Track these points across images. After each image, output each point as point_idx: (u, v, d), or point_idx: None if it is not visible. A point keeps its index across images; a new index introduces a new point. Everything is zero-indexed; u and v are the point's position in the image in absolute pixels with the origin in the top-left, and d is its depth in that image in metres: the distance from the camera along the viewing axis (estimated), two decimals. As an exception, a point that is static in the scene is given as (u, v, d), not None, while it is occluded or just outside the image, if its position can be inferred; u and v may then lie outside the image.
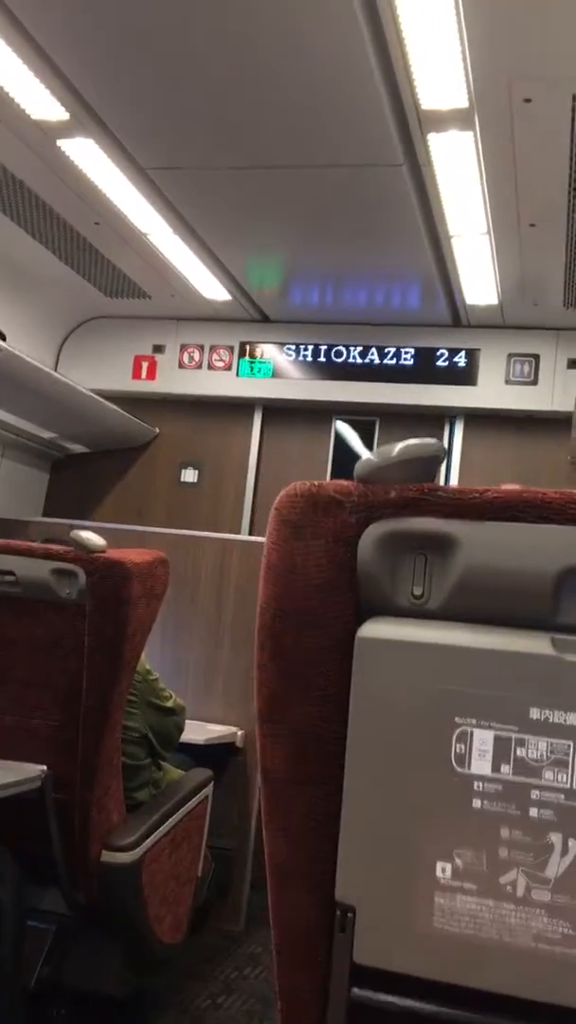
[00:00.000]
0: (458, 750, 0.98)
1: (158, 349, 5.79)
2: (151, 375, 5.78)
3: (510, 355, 5.23)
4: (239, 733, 4.79)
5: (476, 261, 4.31)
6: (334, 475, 5.70)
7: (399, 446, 1.06)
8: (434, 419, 5.50)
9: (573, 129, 3.03)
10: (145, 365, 5.80)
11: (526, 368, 5.19)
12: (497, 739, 0.98)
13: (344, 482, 1.07)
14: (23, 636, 2.68)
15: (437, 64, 2.83)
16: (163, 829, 2.95)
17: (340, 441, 5.77)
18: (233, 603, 4.97)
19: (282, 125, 3.27)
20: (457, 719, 0.99)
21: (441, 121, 3.14)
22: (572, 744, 0.97)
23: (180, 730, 3.25)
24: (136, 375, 5.80)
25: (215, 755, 4.52)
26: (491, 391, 5.24)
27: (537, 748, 0.97)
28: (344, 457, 5.77)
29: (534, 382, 5.18)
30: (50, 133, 3.42)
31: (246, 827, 4.84)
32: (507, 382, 5.22)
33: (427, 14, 2.58)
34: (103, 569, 2.61)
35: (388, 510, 1.03)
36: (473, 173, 3.43)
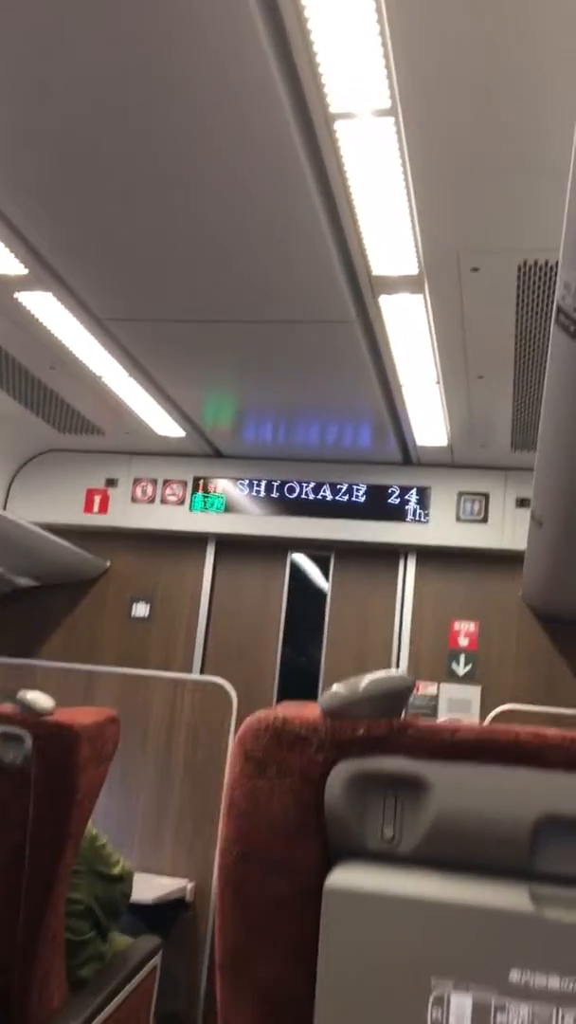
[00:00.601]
0: (435, 1016, 0.92)
1: (111, 483, 5.78)
2: (103, 509, 5.76)
3: (460, 493, 5.31)
4: (189, 887, 4.58)
5: (426, 407, 4.42)
6: (289, 611, 5.66)
7: (366, 680, 1.03)
8: (388, 555, 5.53)
9: (519, 295, 3.16)
10: (97, 499, 5.77)
11: (476, 506, 5.28)
12: (476, 1006, 0.92)
13: (311, 715, 1.04)
14: (-40, 806, 2.54)
15: (388, 234, 2.94)
16: (108, 1010, 2.76)
17: (296, 575, 5.75)
18: (184, 744, 4.83)
19: (235, 285, 3.37)
20: (433, 980, 0.93)
21: (392, 285, 3.26)
22: (556, 1010, 0.91)
23: (127, 898, 3.09)
24: (88, 509, 5.77)
25: (164, 910, 4.31)
26: (443, 528, 5.30)
27: (519, 1015, 0.92)
28: (300, 592, 5.74)
29: (484, 520, 5.26)
30: (8, 286, 3.48)
31: (196, 988, 4.58)
32: (458, 520, 5.29)
33: (377, 187, 2.69)
34: (50, 733, 2.51)
35: (356, 748, 0.99)
36: (423, 331, 3.55)
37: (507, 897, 0.94)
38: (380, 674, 1.04)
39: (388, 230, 2.92)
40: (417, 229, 2.86)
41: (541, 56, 2.10)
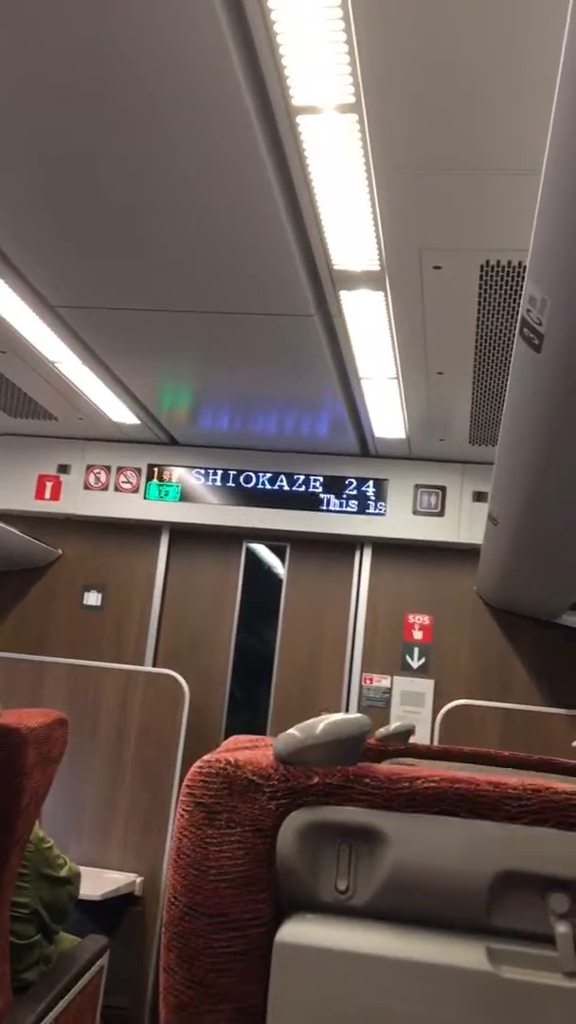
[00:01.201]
0: None
1: (63, 469, 5.68)
2: (55, 495, 5.65)
3: (417, 486, 5.30)
4: (138, 881, 4.56)
5: (384, 400, 4.39)
6: (244, 601, 5.62)
7: (322, 724, 0.99)
8: (344, 546, 5.51)
9: (480, 294, 3.13)
10: (49, 485, 5.67)
11: (433, 499, 5.27)
12: (431, 1071, 0.89)
13: (263, 761, 0.99)
14: None
15: (350, 230, 2.89)
16: (54, 1013, 2.72)
17: (252, 560, 5.71)
18: (135, 738, 4.79)
19: (194, 276, 3.29)
20: (386, 1042, 0.90)
21: (353, 280, 3.21)
22: (513, 1073, 0.88)
23: (74, 900, 3.04)
24: (40, 495, 5.66)
25: (112, 904, 4.27)
26: (399, 521, 5.29)
27: (473, 1078, 0.89)
28: (257, 578, 5.71)
29: (441, 513, 5.25)
30: (-43, 271, 3.37)
31: (143, 984, 4.56)
32: (415, 512, 5.28)
33: (340, 183, 2.64)
34: (-4, 737, 2.45)
35: (310, 797, 0.96)
36: (383, 327, 3.51)
37: (464, 954, 0.91)
38: (335, 718, 1.01)
39: (350, 226, 2.86)
40: (380, 226, 2.81)
41: (509, 56, 2.06)
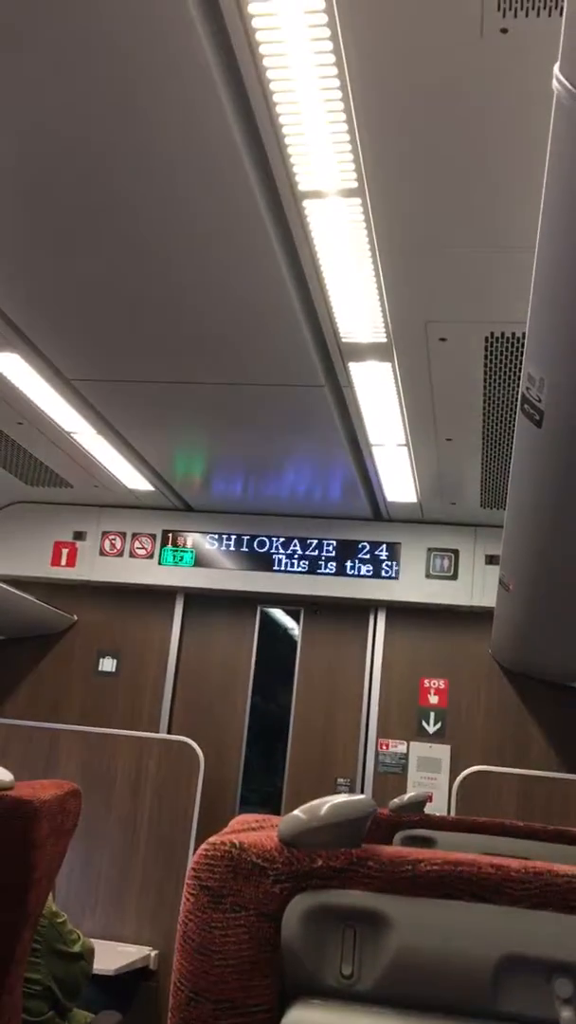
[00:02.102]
0: None
1: (79, 536, 5.73)
2: (71, 562, 5.70)
3: (430, 549, 5.32)
4: (152, 955, 4.47)
5: (395, 465, 4.44)
6: (258, 665, 5.61)
7: (326, 806, 1.00)
8: (357, 609, 5.51)
9: (486, 364, 3.19)
10: (65, 552, 5.72)
11: (446, 562, 5.28)
12: None
13: (268, 843, 1.01)
14: None
15: (356, 305, 2.97)
16: None
17: (265, 627, 5.71)
18: (150, 807, 4.74)
19: (206, 350, 3.38)
20: None
21: (361, 352, 3.28)
22: None
23: (88, 976, 2.99)
24: (56, 562, 5.71)
25: (126, 979, 4.19)
26: (412, 584, 5.29)
27: None
28: (272, 638, 5.70)
29: (454, 576, 5.26)
30: (-25, 348, 3.47)
31: (158, 1062, 4.44)
32: (427, 576, 5.29)
33: (346, 262, 2.72)
34: (9, 810, 2.44)
35: (314, 880, 0.96)
36: (392, 395, 3.57)
37: (468, 1043, 0.90)
38: (340, 799, 1.02)
39: (357, 301, 2.94)
40: (385, 301, 2.89)
41: (505, 138, 2.14)
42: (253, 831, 1.07)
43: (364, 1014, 0.93)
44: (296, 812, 1.02)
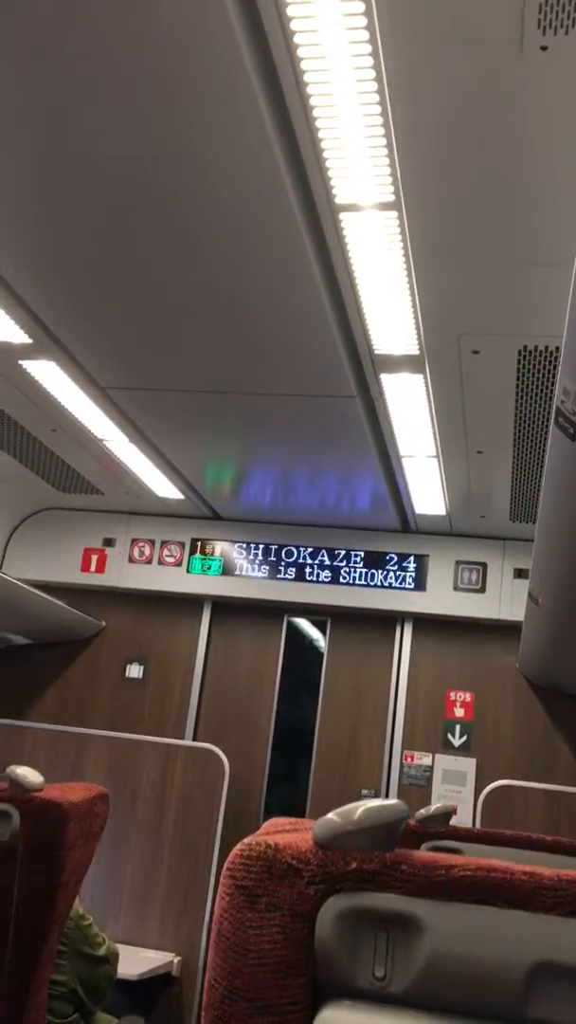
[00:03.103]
0: None
1: (108, 542, 5.78)
2: (100, 568, 5.75)
3: (458, 562, 5.31)
4: (176, 961, 4.49)
5: (425, 478, 4.44)
6: (284, 674, 5.62)
7: (360, 810, 1.02)
8: (385, 621, 5.51)
9: (519, 377, 3.20)
10: (95, 558, 5.77)
11: (474, 575, 5.27)
12: None
13: (303, 845, 1.02)
14: (-56, 884, 2.49)
15: (390, 317, 2.98)
16: None
17: (292, 637, 5.72)
18: (175, 813, 4.76)
19: (241, 360, 3.41)
20: None
21: (394, 364, 3.30)
22: None
23: (112, 980, 3.01)
24: (85, 568, 5.76)
25: (149, 984, 4.21)
26: (440, 597, 5.29)
27: None
28: (298, 648, 5.71)
29: (482, 589, 5.25)
30: (12, 354, 3.51)
31: (179, 1068, 4.45)
32: (455, 588, 5.28)
33: (381, 274, 2.74)
34: (39, 811, 2.47)
35: (348, 882, 0.98)
36: (423, 408, 3.58)
37: (500, 1047, 0.91)
38: (374, 803, 1.03)
39: (391, 314, 2.96)
40: (419, 314, 2.90)
41: (542, 154, 2.15)
42: (288, 833, 1.08)
43: (396, 1017, 0.94)
44: (330, 815, 1.03)
